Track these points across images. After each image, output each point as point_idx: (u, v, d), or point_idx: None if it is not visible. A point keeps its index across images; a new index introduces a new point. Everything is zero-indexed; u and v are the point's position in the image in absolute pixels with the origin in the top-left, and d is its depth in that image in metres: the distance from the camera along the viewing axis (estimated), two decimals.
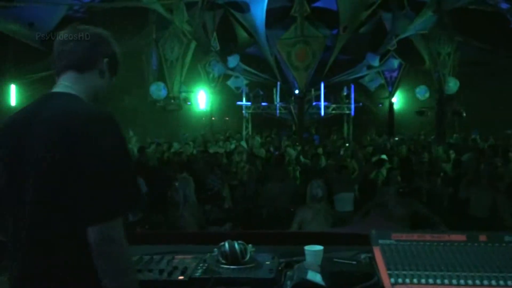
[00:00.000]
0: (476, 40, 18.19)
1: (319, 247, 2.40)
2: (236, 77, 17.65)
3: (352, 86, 18.12)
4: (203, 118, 20.85)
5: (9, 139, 1.76)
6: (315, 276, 2.11)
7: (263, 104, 18.60)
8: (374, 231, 2.45)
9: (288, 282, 2.11)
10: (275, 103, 17.89)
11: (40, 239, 1.67)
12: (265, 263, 2.29)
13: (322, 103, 17.38)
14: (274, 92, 17.99)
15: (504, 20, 17.77)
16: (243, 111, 18.63)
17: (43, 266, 1.67)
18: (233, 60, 16.93)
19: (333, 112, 18.52)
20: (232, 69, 17.39)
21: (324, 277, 2.09)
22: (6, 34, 13.02)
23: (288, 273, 2.24)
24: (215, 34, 18.01)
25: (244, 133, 17.91)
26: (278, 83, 17.51)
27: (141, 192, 1.68)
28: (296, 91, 16.65)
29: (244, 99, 18.50)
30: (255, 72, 17.74)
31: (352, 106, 18.36)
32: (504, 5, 17.54)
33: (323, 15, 17.16)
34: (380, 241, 2.37)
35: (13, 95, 14.88)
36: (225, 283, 2.10)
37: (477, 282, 2.06)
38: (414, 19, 17.62)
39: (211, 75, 19.63)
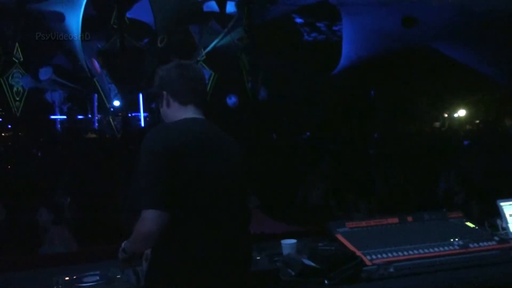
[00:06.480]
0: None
1: (293, 240, 2.83)
2: (54, 90, 16.73)
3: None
4: None
5: (200, 152, 2.24)
6: (309, 262, 2.53)
7: (79, 117, 17.97)
8: (331, 223, 2.97)
9: (289, 270, 2.49)
10: (95, 116, 17.44)
11: (240, 220, 2.35)
12: (256, 258, 2.65)
13: (142, 114, 17.45)
14: (88, 104, 17.53)
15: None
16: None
17: (242, 235, 2.35)
18: (45, 73, 16.05)
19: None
20: (42, 82, 16.45)
21: (316, 262, 2.52)
22: None
23: (278, 264, 2.62)
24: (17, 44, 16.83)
25: None
26: (95, 95, 17.07)
27: None
28: (116, 103, 16.41)
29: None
30: (70, 84, 17.01)
31: None
32: (299, 20, 19.76)
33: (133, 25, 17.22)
34: (339, 230, 2.90)
35: None
36: None
37: (422, 251, 2.69)
38: (219, 32, 18.82)
39: (15, 89, 18.22)
